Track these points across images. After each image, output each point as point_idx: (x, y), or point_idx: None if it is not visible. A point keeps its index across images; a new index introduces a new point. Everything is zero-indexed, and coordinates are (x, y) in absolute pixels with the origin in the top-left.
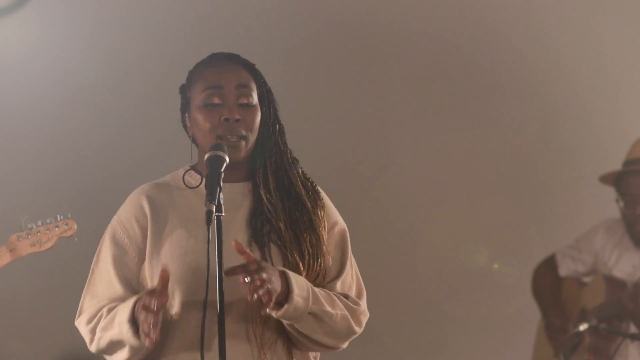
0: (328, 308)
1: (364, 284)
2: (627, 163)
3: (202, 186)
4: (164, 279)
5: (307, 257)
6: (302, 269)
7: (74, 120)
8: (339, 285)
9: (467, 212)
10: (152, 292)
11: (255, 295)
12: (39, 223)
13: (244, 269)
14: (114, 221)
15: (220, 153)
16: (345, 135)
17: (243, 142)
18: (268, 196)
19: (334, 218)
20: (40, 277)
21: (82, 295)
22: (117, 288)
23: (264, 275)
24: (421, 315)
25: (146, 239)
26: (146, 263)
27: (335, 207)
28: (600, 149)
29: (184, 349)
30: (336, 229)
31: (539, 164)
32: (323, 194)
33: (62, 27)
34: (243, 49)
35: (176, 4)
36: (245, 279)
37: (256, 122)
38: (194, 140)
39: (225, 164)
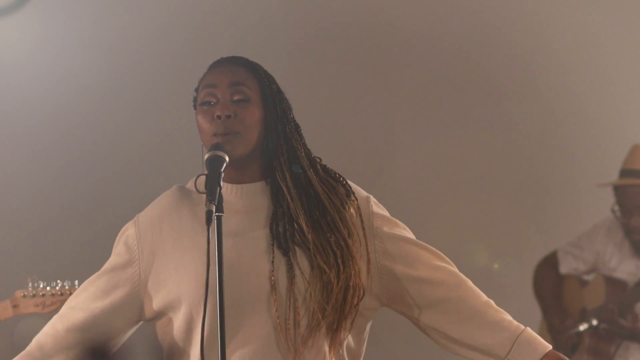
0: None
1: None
2: (624, 173)
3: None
4: None
5: (332, 260)
6: (328, 272)
7: (74, 120)
8: (428, 256)
9: (467, 212)
10: None
11: None
12: (45, 285)
13: None
14: (134, 222)
15: (220, 153)
16: (345, 135)
17: (238, 137)
18: (289, 196)
19: (365, 203)
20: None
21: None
22: (85, 311)
23: None
24: None
25: (158, 250)
26: (163, 274)
27: None
28: (600, 149)
29: (212, 353)
30: (373, 209)
31: (539, 164)
32: (353, 186)
33: (62, 27)
34: (244, 49)
35: (177, 4)
36: None
37: (253, 118)
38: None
39: (225, 164)
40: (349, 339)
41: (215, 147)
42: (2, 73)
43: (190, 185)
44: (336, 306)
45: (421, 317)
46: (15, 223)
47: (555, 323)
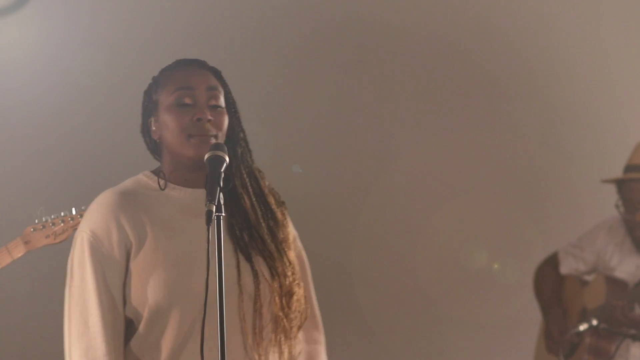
0: None
1: (364, 285)
2: (629, 168)
3: (168, 191)
4: None
5: (290, 270)
6: (291, 280)
7: (73, 120)
8: (310, 321)
9: (467, 212)
10: None
11: None
12: (53, 216)
13: None
14: (89, 237)
15: (220, 153)
16: (345, 135)
17: (213, 140)
18: (250, 205)
19: (293, 230)
20: (40, 277)
21: (68, 341)
22: (108, 312)
23: None
24: (421, 316)
25: (126, 257)
26: (131, 282)
27: (335, 207)
28: (601, 149)
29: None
30: (298, 243)
31: (539, 164)
32: None
33: (62, 27)
34: (242, 49)
35: (176, 4)
36: None
37: (225, 124)
38: (155, 144)
39: (225, 164)
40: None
41: (215, 147)
42: (2, 73)
43: (127, 187)
44: (299, 312)
45: None
46: (13, 221)
47: (553, 332)
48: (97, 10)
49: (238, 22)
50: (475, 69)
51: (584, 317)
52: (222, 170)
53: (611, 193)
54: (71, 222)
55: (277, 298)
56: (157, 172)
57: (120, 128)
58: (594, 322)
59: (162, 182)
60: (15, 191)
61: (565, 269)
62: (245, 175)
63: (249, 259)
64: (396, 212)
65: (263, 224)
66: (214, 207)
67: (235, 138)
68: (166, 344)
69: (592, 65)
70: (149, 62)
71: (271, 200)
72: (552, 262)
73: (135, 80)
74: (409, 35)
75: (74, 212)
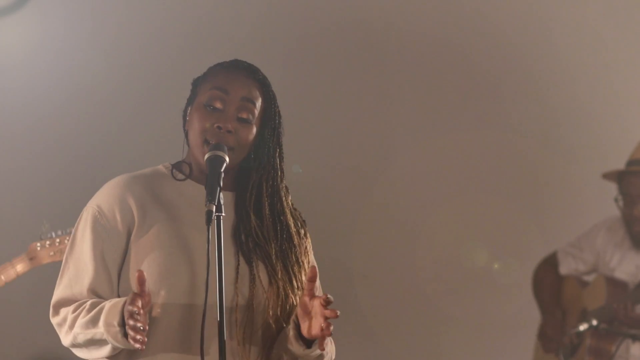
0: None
1: (364, 284)
2: (631, 163)
3: (184, 184)
4: (140, 279)
5: (297, 291)
6: (292, 297)
7: (73, 120)
8: None
9: (467, 212)
10: (136, 297)
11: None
12: (59, 232)
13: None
14: (94, 211)
15: (220, 153)
16: (346, 135)
17: (230, 153)
18: (258, 222)
19: (312, 255)
20: (39, 276)
21: (56, 285)
22: (100, 279)
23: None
24: (421, 315)
25: (127, 235)
26: (130, 261)
27: (336, 206)
28: (601, 148)
29: (163, 349)
30: (310, 257)
31: (539, 164)
32: None
33: (62, 27)
34: (243, 49)
35: (176, 4)
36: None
37: (248, 139)
38: (186, 135)
39: (225, 164)
40: None
41: (216, 147)
42: (2, 73)
43: (143, 173)
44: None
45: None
46: (14, 221)
47: (554, 323)
48: (97, 10)
49: (238, 22)
50: (476, 70)
51: (584, 317)
52: (222, 170)
53: (611, 193)
54: None
55: (271, 308)
56: (176, 165)
57: (120, 129)
58: (594, 323)
59: (179, 174)
60: (14, 191)
61: (564, 269)
62: (265, 194)
63: (249, 262)
64: (396, 212)
65: (273, 244)
66: (214, 207)
67: (263, 152)
68: (153, 324)
69: (592, 65)
70: (149, 63)
71: (290, 222)
72: (551, 262)
73: (135, 81)
74: (409, 35)
75: None
